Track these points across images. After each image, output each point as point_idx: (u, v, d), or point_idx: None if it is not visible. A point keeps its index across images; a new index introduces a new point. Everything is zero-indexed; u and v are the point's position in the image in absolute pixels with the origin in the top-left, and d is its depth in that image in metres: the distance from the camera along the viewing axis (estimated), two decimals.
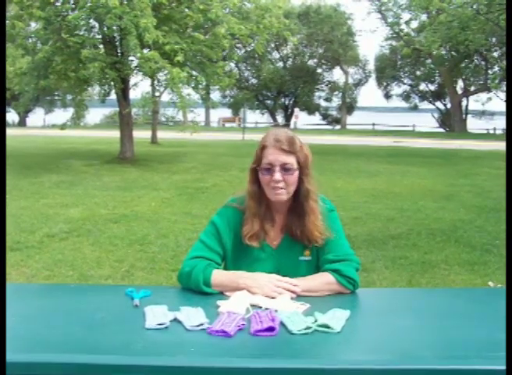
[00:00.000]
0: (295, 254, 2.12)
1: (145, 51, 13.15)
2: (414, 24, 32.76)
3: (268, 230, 2.09)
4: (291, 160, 2.02)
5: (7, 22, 12.83)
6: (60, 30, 13.61)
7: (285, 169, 2.01)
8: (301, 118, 42.25)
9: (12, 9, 14.13)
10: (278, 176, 2.00)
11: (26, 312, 1.77)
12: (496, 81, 26.37)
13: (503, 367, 1.37)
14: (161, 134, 23.12)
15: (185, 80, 13.03)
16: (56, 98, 19.51)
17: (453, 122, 39.19)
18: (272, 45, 39.58)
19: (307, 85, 42.66)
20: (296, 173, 2.04)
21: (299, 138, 2.09)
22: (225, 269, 2.12)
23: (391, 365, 1.42)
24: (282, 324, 1.64)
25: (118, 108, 15.67)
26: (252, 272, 2.00)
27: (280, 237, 2.13)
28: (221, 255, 2.10)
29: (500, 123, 39.39)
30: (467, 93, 40.52)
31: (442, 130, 42.37)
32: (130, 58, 14.26)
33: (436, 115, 45.07)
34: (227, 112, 45.51)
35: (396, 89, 45.46)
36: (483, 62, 38.11)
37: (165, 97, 18.51)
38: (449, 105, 41.77)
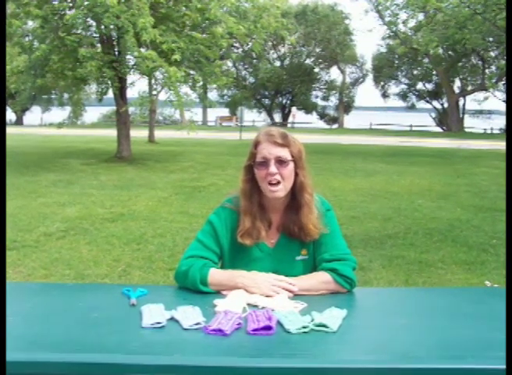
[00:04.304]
0: (292, 253, 2.12)
1: (142, 50, 13.14)
2: (412, 23, 32.80)
3: (260, 228, 2.08)
4: (285, 153, 2.03)
5: None
6: (57, 28, 13.59)
7: (279, 161, 2.02)
8: (299, 117, 42.32)
9: (8, 7, 14.08)
10: (273, 168, 2.01)
11: (23, 310, 1.77)
12: (493, 80, 26.45)
13: (502, 367, 1.37)
14: (159, 133, 23.11)
15: (182, 79, 13.02)
16: (53, 96, 19.48)
17: (450, 121, 39.27)
18: (270, 44, 39.62)
19: (305, 84, 42.71)
20: (291, 166, 2.04)
21: (291, 134, 2.10)
22: (223, 268, 2.11)
23: (388, 364, 1.42)
24: (279, 323, 1.64)
25: (115, 107, 15.65)
26: (248, 271, 2.00)
27: (277, 236, 2.13)
28: (218, 255, 2.10)
29: (497, 123, 39.49)
30: (464, 92, 40.61)
31: (439, 129, 42.47)
32: (128, 57, 14.23)
33: (433, 114, 45.17)
34: (224, 112, 45.57)
35: (394, 88, 45.63)
36: (480, 62, 38.19)
37: (163, 96, 18.51)
38: (446, 105, 41.86)
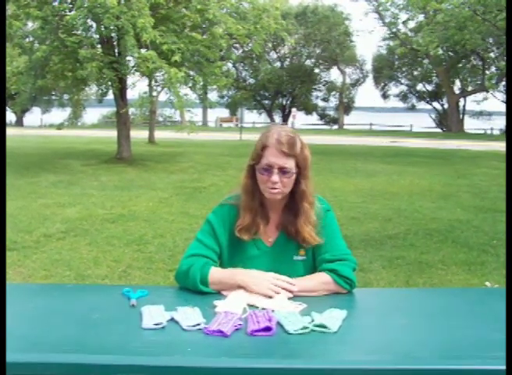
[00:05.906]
0: (290, 252, 2.11)
1: (143, 50, 13.14)
2: (412, 24, 32.84)
3: (259, 224, 2.09)
4: (290, 163, 2.01)
5: None
6: (57, 29, 13.58)
7: (283, 171, 2.01)
8: (299, 118, 42.27)
9: (9, 8, 14.09)
10: (275, 178, 2.00)
11: (23, 312, 1.77)
12: (493, 81, 26.38)
13: (502, 367, 1.37)
14: (159, 134, 23.09)
15: (182, 79, 13.02)
16: (53, 97, 19.50)
17: (450, 122, 39.26)
18: (270, 45, 39.60)
19: (305, 85, 42.71)
20: (294, 176, 2.04)
21: (300, 138, 2.07)
22: (221, 266, 2.12)
23: (388, 365, 1.42)
24: (278, 324, 1.63)
25: (115, 108, 15.64)
26: (247, 269, 2.01)
27: (275, 235, 2.13)
28: (217, 253, 2.10)
29: (497, 123, 39.48)
30: (464, 93, 40.59)
31: (439, 130, 42.45)
32: (128, 57, 14.21)
33: (433, 115, 45.15)
34: (225, 112, 45.55)
35: (394, 89, 45.61)
36: (480, 63, 38.16)
37: (163, 96, 18.51)
38: (446, 106, 41.85)
